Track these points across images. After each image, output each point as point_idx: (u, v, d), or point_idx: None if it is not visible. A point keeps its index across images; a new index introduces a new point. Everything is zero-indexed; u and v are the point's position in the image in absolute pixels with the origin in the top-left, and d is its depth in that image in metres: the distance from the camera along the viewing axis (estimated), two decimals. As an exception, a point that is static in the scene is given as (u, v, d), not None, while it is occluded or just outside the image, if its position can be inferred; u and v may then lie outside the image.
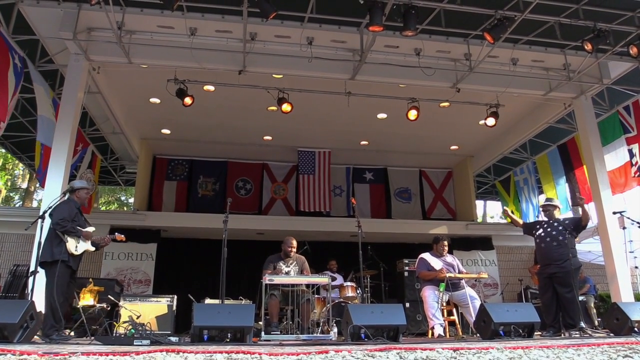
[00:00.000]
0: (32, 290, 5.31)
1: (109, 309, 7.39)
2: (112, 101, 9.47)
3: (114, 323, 6.84)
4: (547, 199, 6.75)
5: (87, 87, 8.08)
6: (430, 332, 6.42)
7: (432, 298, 6.44)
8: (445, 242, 7.00)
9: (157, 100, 9.84)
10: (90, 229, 5.60)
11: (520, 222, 6.93)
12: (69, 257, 5.28)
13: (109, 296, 7.45)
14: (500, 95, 8.90)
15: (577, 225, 6.24)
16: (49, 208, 5.50)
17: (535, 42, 8.14)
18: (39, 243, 5.37)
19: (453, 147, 12.73)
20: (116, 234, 5.85)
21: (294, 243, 6.91)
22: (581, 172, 10.28)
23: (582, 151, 9.70)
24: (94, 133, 10.92)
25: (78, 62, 7.65)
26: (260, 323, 6.07)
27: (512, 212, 7.04)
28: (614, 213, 7.60)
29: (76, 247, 5.35)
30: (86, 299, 7.08)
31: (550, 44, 8.25)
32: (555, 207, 6.46)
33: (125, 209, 23.54)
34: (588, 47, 7.21)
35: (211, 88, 9.09)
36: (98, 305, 7.15)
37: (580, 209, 6.32)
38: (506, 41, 7.71)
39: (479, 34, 7.49)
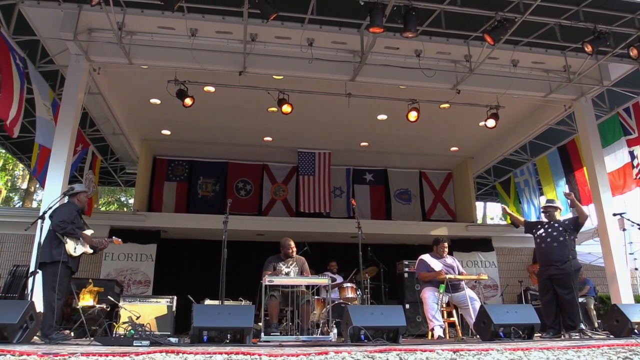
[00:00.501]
0: (31, 290, 5.32)
1: (108, 309, 7.40)
2: (113, 102, 9.47)
3: (114, 324, 6.84)
4: (548, 200, 6.77)
5: (88, 88, 8.09)
6: (430, 333, 6.41)
7: (432, 299, 6.44)
8: (446, 244, 7.00)
9: (158, 101, 9.84)
10: (89, 232, 5.63)
11: (522, 219, 6.92)
12: (68, 258, 5.31)
13: (109, 297, 7.45)
14: (500, 96, 8.91)
15: (577, 224, 6.25)
16: (49, 209, 5.51)
17: (536, 43, 8.14)
18: (39, 244, 5.38)
19: (453, 149, 12.74)
20: (114, 237, 5.90)
21: (292, 244, 6.91)
22: (581, 174, 10.29)
23: (582, 153, 9.70)
24: (94, 134, 10.92)
25: (78, 63, 7.65)
26: (260, 324, 6.07)
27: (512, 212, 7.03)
28: (614, 215, 7.60)
29: (75, 248, 5.39)
30: (86, 300, 7.09)
31: (551, 46, 8.26)
32: (556, 208, 6.46)
33: (125, 209, 23.53)
34: (588, 49, 7.21)
35: (211, 89, 9.10)
36: (98, 305, 7.16)
37: (576, 209, 6.33)
38: (506, 43, 7.71)
39: (479, 36, 7.50)
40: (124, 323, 6.69)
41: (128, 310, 7.31)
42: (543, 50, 8.38)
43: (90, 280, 7.50)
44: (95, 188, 10.82)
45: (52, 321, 5.08)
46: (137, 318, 7.00)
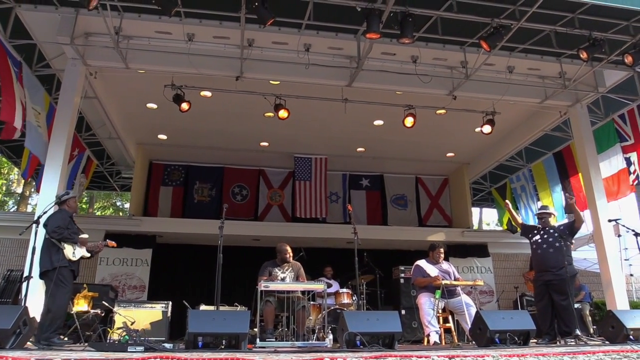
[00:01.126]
0: (25, 295, 5.29)
1: (103, 315, 7.36)
2: (109, 106, 9.46)
3: (108, 329, 6.80)
4: (542, 207, 6.79)
5: (84, 92, 8.07)
6: (425, 339, 6.40)
7: (427, 305, 6.43)
8: (442, 249, 6.99)
9: (154, 106, 9.83)
10: (83, 236, 5.63)
11: (519, 221, 6.94)
12: (68, 263, 5.32)
13: (103, 302, 7.42)
14: (496, 102, 8.95)
15: (572, 229, 6.27)
16: (44, 213, 5.51)
17: (531, 50, 8.18)
18: (34, 248, 5.37)
19: (449, 154, 12.76)
20: (107, 240, 5.95)
21: (289, 248, 6.92)
22: (576, 180, 10.31)
23: (577, 159, 9.73)
24: (90, 138, 10.88)
25: (75, 67, 7.64)
26: (256, 330, 6.04)
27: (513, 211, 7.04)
28: (610, 221, 7.63)
29: (73, 253, 5.41)
30: (80, 305, 7.04)
31: (546, 52, 8.30)
32: (550, 214, 6.48)
33: (120, 214, 23.44)
34: (583, 55, 7.26)
35: (208, 94, 9.09)
36: (92, 311, 7.11)
37: (574, 213, 6.35)
38: (502, 49, 7.75)
39: (476, 42, 7.52)
40: (118, 328, 6.67)
41: (122, 315, 7.28)
42: (539, 57, 8.42)
43: (84, 285, 7.46)
44: (82, 191, 10.77)
45: (56, 325, 5.12)
46: (132, 323, 6.97)
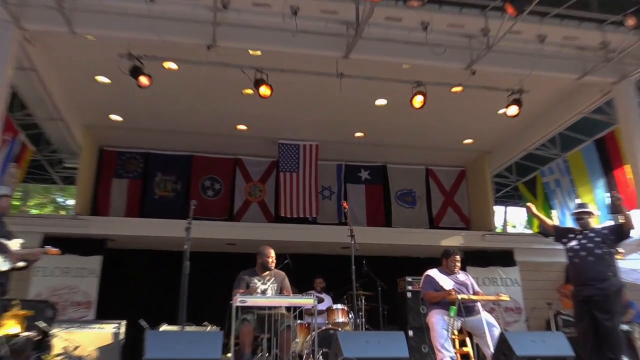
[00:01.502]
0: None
1: (38, 338, 7.30)
2: (50, 80, 9.37)
3: (44, 357, 6.76)
4: (580, 205, 6.79)
5: (18, 63, 8.00)
6: (438, 366, 6.44)
7: (440, 325, 6.46)
8: (458, 257, 7.03)
9: (106, 80, 9.77)
10: (17, 241, 5.57)
11: (551, 223, 6.95)
12: None
13: (39, 322, 7.36)
14: (524, 79, 8.96)
15: (619, 234, 6.28)
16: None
17: (567, 15, 8.22)
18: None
19: (467, 141, 12.83)
20: (48, 247, 5.88)
21: (272, 253, 6.93)
22: (622, 173, 10.33)
23: (623, 148, 9.77)
24: (25, 119, 10.78)
25: (6, 31, 7.53)
26: (229, 355, 6.05)
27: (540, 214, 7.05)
28: (663, 223, 7.66)
29: (2, 262, 5.32)
30: (9, 326, 6.98)
31: (586, 18, 8.33)
32: (590, 214, 6.50)
33: (62, 213, 23.32)
34: (631, 22, 7.27)
35: (173, 66, 9.05)
36: (24, 333, 7.06)
37: (622, 215, 6.36)
38: (532, 14, 7.73)
39: (499, 5, 7.54)
40: (57, 355, 6.63)
41: (63, 339, 7.25)
42: (576, 24, 8.45)
43: (15, 302, 7.39)
44: (15, 184, 10.66)
45: None
46: (75, 349, 6.94)
